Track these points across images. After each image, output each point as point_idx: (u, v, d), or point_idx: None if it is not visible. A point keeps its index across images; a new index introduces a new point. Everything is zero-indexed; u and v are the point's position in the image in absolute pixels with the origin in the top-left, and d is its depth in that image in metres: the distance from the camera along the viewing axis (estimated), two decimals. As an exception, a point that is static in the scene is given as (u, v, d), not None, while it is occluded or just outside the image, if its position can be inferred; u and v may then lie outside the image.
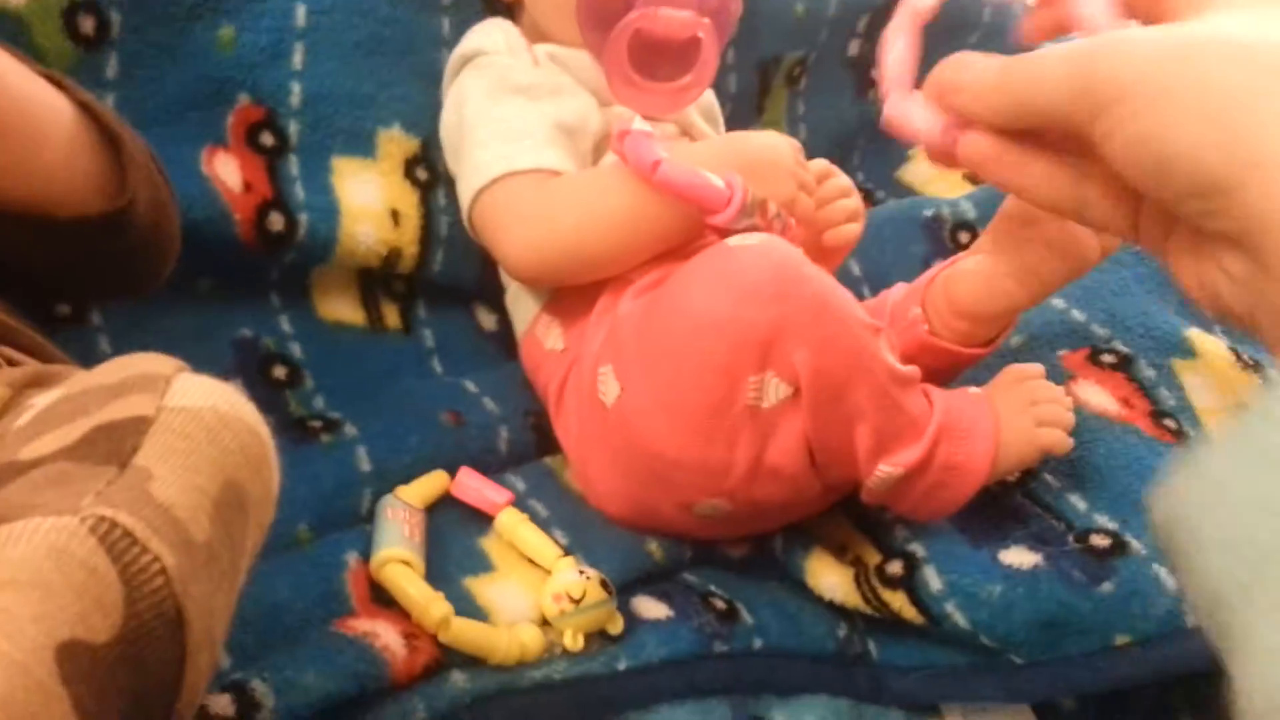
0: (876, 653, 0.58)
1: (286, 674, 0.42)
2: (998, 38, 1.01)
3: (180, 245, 0.49)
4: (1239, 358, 0.66)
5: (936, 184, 0.94)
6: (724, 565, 0.61)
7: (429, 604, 0.46)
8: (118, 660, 0.24)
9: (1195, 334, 0.66)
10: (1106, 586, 0.52)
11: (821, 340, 0.51)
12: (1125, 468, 0.58)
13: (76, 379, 0.31)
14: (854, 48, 0.94)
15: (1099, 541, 0.55)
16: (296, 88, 0.62)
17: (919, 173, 0.96)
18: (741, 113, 0.89)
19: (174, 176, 0.49)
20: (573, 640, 0.49)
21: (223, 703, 0.40)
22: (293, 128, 0.62)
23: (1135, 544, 0.54)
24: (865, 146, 0.99)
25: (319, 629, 0.44)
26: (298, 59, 0.62)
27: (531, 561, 0.53)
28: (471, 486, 0.56)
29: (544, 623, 0.50)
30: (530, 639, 0.48)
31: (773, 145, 0.62)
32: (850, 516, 0.62)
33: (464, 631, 0.46)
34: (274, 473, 0.30)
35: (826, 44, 0.92)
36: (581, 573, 0.50)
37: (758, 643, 0.55)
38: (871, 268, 0.80)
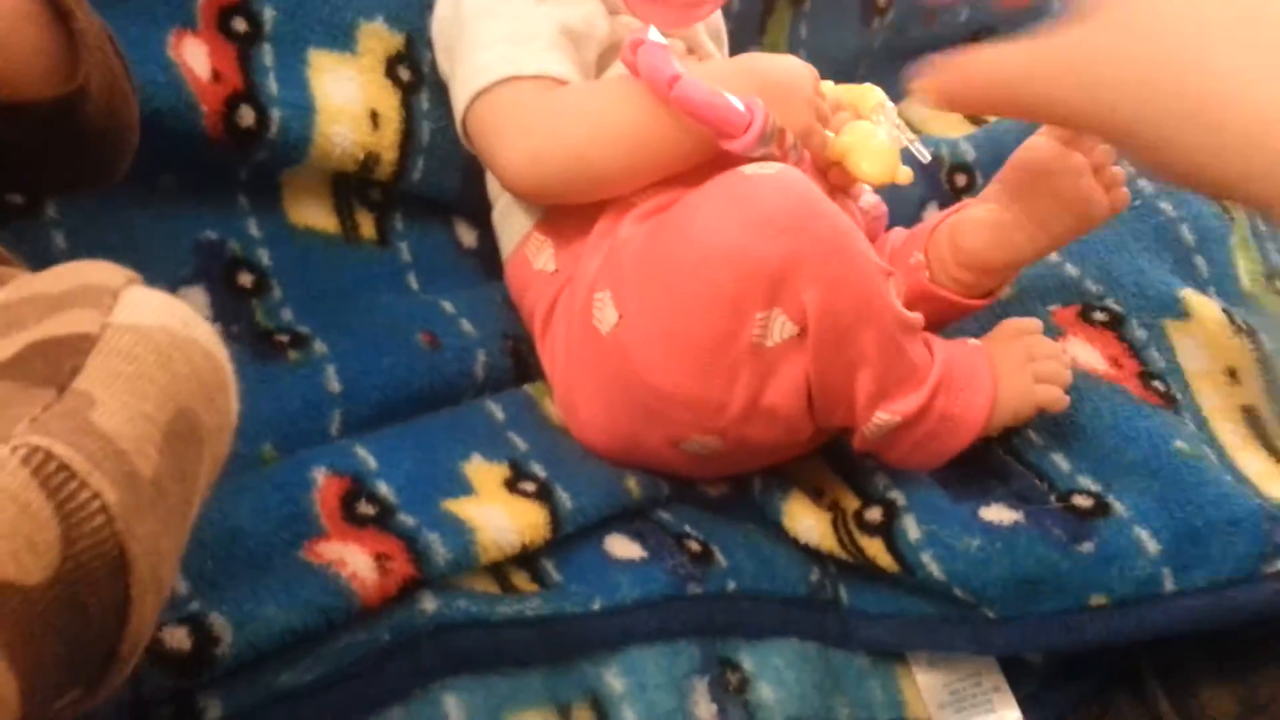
0: (848, 598, 0.58)
1: (247, 607, 0.40)
2: None
3: (139, 136, 0.45)
4: (1232, 320, 0.65)
5: (935, 122, 0.91)
6: (701, 504, 0.61)
7: None
8: (52, 603, 0.22)
9: (1189, 294, 0.66)
10: (1086, 546, 0.53)
11: (833, 280, 0.50)
12: (1112, 428, 0.58)
13: (16, 284, 0.28)
14: (862, -29, 0.91)
15: (1081, 502, 0.55)
16: (274, -33, 0.58)
17: (917, 110, 0.93)
18: (743, 32, 0.86)
19: (136, 60, 0.45)
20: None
21: (179, 636, 0.39)
22: (268, 13, 0.58)
23: (1118, 506, 0.54)
24: (865, 77, 0.97)
25: (284, 555, 0.43)
26: None
27: None
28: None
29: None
30: None
31: (794, 70, 0.60)
32: (830, 461, 0.62)
33: None
34: (231, 401, 0.28)
35: (833, -35, 0.89)
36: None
37: (731, 585, 0.55)
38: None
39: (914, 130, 0.91)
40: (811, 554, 0.58)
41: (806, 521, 0.58)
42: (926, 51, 1.04)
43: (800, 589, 0.57)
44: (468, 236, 0.66)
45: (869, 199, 0.67)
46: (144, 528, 0.23)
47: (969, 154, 0.80)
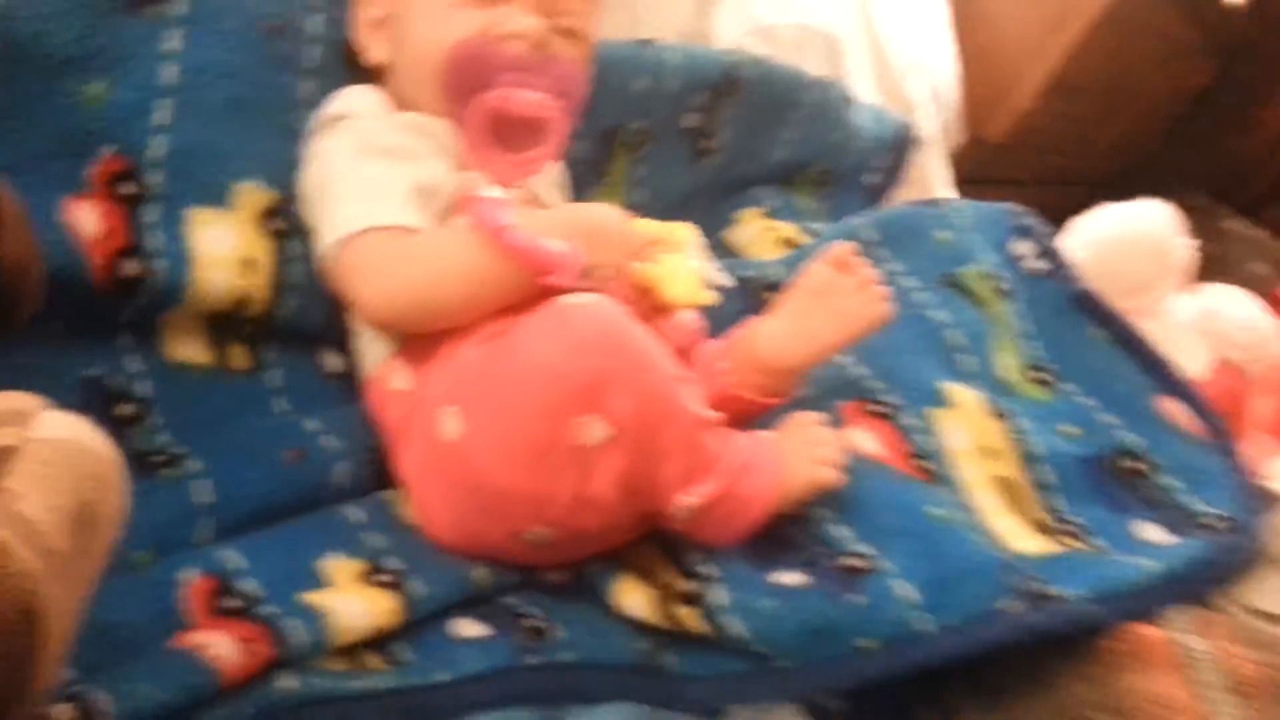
0: (675, 664, 0.67)
1: (124, 686, 0.47)
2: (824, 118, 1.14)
3: (38, 301, 0.53)
4: (988, 406, 0.78)
5: (757, 246, 1.05)
6: (543, 590, 0.69)
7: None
8: None
9: (953, 387, 0.79)
10: (857, 599, 0.63)
11: (640, 390, 0.60)
12: (881, 502, 0.69)
13: None
14: (690, 120, 1.05)
15: (854, 563, 0.65)
16: (162, 141, 0.67)
17: (743, 235, 1.07)
18: (586, 176, 0.98)
19: (34, 226, 0.53)
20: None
21: (65, 711, 0.45)
22: (153, 178, 0.66)
23: (884, 564, 0.65)
24: (698, 208, 1.09)
25: (157, 644, 0.50)
26: (165, 115, 0.67)
27: None
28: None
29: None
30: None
31: (605, 215, 0.71)
32: (658, 544, 0.71)
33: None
34: (122, 496, 0.37)
35: (665, 116, 1.02)
36: None
37: (566, 656, 0.63)
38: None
39: (735, 255, 1.05)
40: (641, 627, 0.67)
41: (634, 598, 0.67)
42: (752, 186, 1.20)
43: (630, 658, 0.66)
44: (333, 362, 0.74)
45: (686, 318, 0.78)
46: (53, 590, 0.32)
47: (779, 275, 0.93)
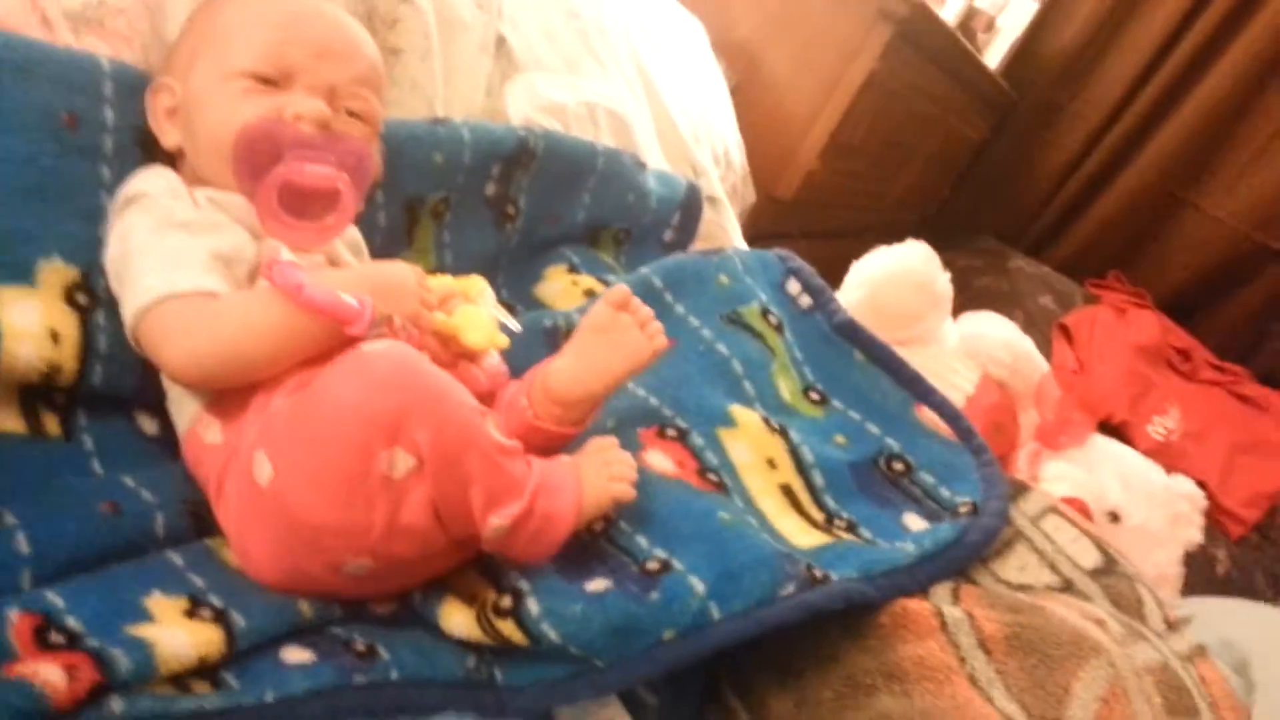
0: (501, 676, 0.73)
1: None
2: (617, 182, 1.25)
3: None
4: (768, 424, 0.90)
5: (563, 299, 1.15)
6: (371, 621, 0.74)
7: None
8: None
9: (737, 409, 0.90)
10: (654, 596, 0.71)
11: (437, 421, 0.67)
12: (675, 512, 0.79)
13: None
14: (490, 189, 1.14)
15: (652, 566, 0.74)
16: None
17: (549, 290, 1.17)
18: (392, 243, 1.05)
19: None
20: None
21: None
22: (-46, 259, 0.70)
23: (678, 564, 0.74)
24: (507, 268, 1.19)
25: (-18, 674, 0.53)
26: None
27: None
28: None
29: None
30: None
31: (398, 271, 0.79)
32: (479, 568, 0.78)
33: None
34: None
35: (465, 185, 1.11)
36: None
37: (394, 674, 0.69)
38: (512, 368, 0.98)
39: (542, 307, 1.14)
40: (467, 645, 0.73)
41: (457, 618, 0.73)
42: (557, 245, 1.30)
43: (458, 673, 0.72)
44: (149, 425, 0.78)
45: (491, 362, 0.86)
46: None
47: (579, 321, 1.02)
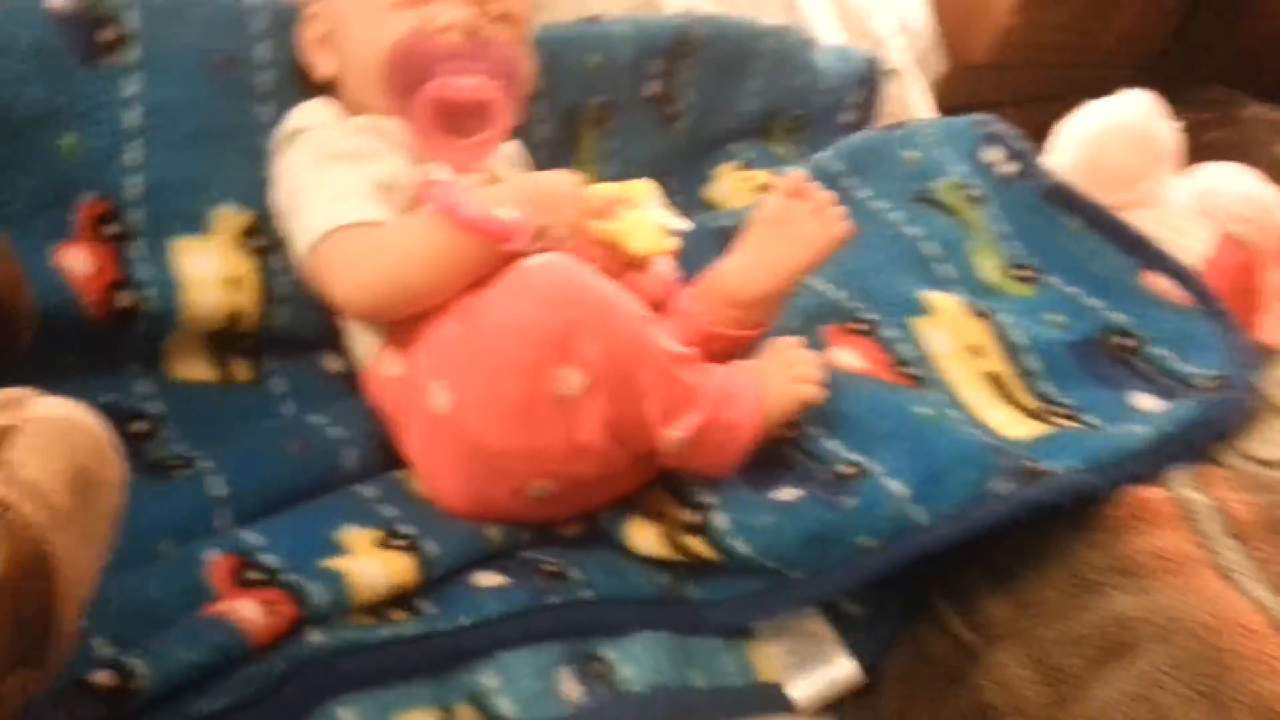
0: (695, 592, 0.73)
1: (157, 650, 0.54)
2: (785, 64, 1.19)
3: (31, 323, 0.60)
4: (969, 308, 0.83)
5: (734, 198, 1.11)
6: (559, 543, 0.75)
7: None
8: (3, 591, 0.37)
9: (931, 294, 0.84)
10: (850, 502, 0.68)
11: (605, 335, 0.66)
12: (868, 410, 0.75)
13: None
14: (651, 87, 1.10)
15: (845, 470, 0.71)
16: (137, 180, 0.75)
17: (719, 190, 1.13)
18: (556, 157, 1.04)
19: (28, 272, 0.60)
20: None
21: (103, 676, 0.52)
22: (135, 215, 0.74)
23: (874, 467, 0.71)
24: (674, 172, 1.15)
25: (186, 615, 0.57)
26: (137, 155, 0.75)
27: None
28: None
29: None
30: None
31: (556, 180, 0.77)
32: (663, 485, 0.77)
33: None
34: (116, 462, 0.44)
35: (625, 87, 1.08)
36: None
37: (586, 594, 0.69)
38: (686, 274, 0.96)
39: (714, 207, 1.11)
40: (658, 563, 0.73)
41: (645, 537, 0.73)
42: (726, 142, 1.25)
43: (650, 591, 0.72)
44: (334, 364, 0.81)
45: (662, 269, 0.84)
46: (61, 539, 0.39)
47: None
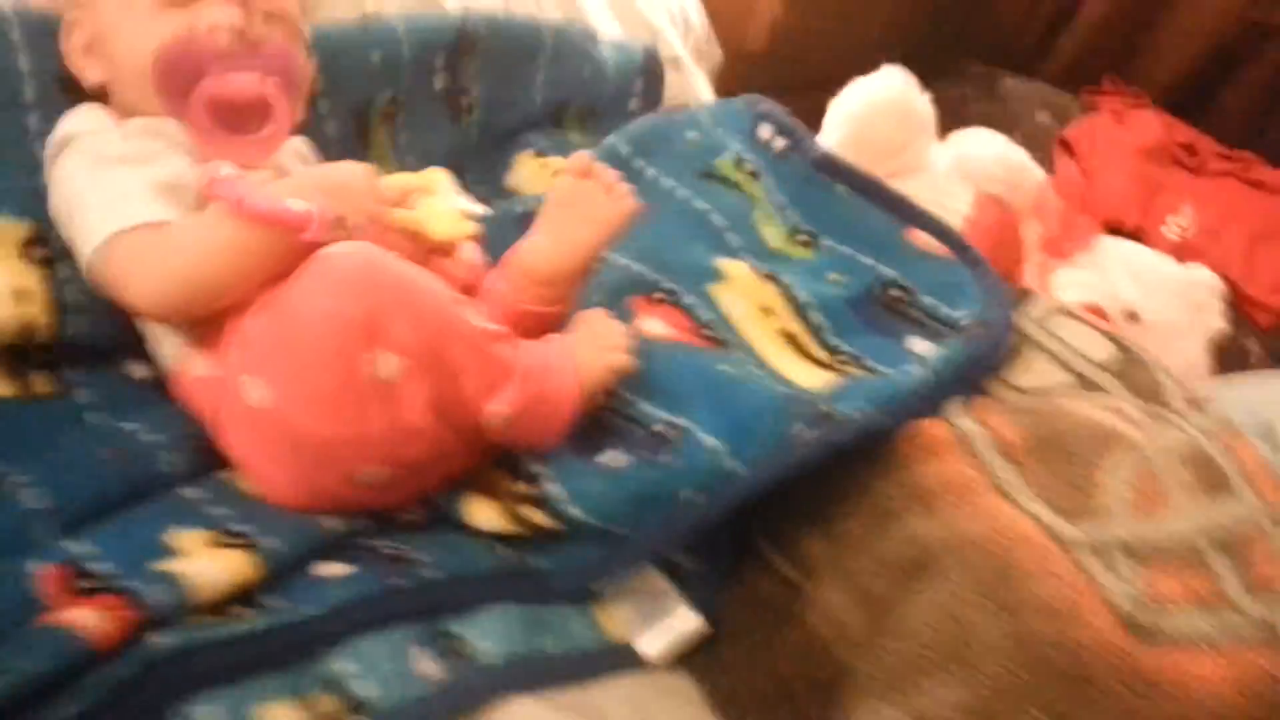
0: (538, 562, 0.75)
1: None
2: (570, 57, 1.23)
3: None
4: (757, 272, 0.90)
5: (532, 184, 1.15)
6: (401, 528, 0.76)
7: None
8: None
9: (723, 262, 0.91)
10: (668, 459, 0.73)
11: (414, 316, 0.68)
12: (677, 372, 0.80)
13: None
14: (438, 82, 1.13)
15: (662, 429, 0.76)
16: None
17: (519, 177, 1.17)
18: (347, 153, 1.03)
19: None
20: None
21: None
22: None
23: (687, 423, 0.75)
24: (472, 162, 1.17)
25: (19, 629, 0.55)
26: None
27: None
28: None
29: None
30: None
31: (347, 170, 0.78)
32: (496, 462, 0.78)
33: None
34: None
35: (411, 82, 1.10)
36: None
37: (432, 574, 0.71)
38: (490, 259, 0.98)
39: (516, 194, 1.14)
40: (499, 538, 0.75)
41: (484, 514, 0.75)
42: (522, 132, 1.28)
43: (494, 566, 0.74)
44: (139, 370, 0.79)
45: (467, 254, 0.87)
46: None
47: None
